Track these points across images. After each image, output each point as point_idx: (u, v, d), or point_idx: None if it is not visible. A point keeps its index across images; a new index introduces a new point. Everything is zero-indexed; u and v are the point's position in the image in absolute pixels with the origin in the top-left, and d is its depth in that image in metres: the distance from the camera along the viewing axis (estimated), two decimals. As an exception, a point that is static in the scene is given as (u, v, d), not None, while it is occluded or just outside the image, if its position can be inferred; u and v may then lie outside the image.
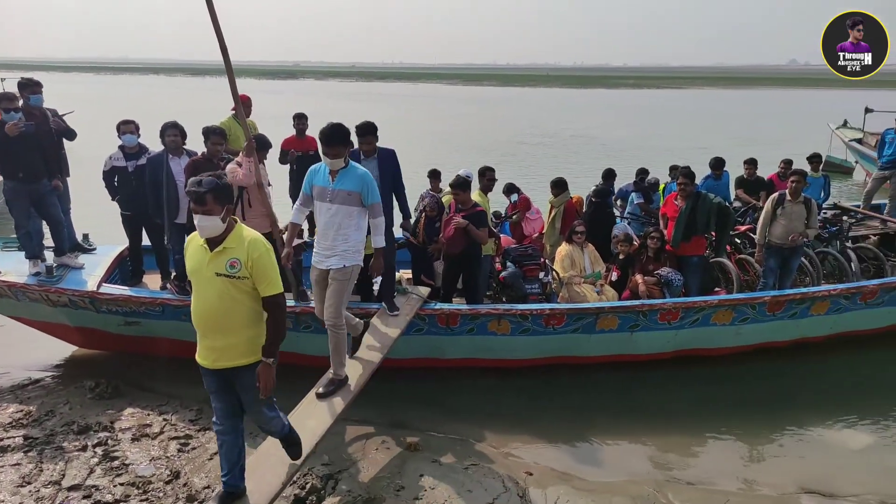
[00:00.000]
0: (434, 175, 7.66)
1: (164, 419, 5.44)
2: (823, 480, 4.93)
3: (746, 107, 55.30)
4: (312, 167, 4.86)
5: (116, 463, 4.78)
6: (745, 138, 28.22)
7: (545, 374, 6.48)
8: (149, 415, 5.50)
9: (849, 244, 8.18)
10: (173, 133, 6.21)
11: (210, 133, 6.04)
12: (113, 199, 6.73)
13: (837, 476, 5.00)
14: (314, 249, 4.86)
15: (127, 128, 6.51)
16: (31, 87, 6.46)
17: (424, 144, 22.58)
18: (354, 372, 5.07)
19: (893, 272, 7.77)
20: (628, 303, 6.37)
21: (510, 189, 8.11)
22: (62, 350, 7.00)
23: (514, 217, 8.11)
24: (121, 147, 6.58)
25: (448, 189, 6.78)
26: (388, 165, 5.63)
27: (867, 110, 19.50)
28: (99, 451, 4.93)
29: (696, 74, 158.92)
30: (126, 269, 7.11)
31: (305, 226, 7.60)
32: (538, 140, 28.93)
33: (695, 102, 61.82)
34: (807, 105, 55.48)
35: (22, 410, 5.53)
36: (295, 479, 4.57)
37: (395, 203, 5.92)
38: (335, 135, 4.50)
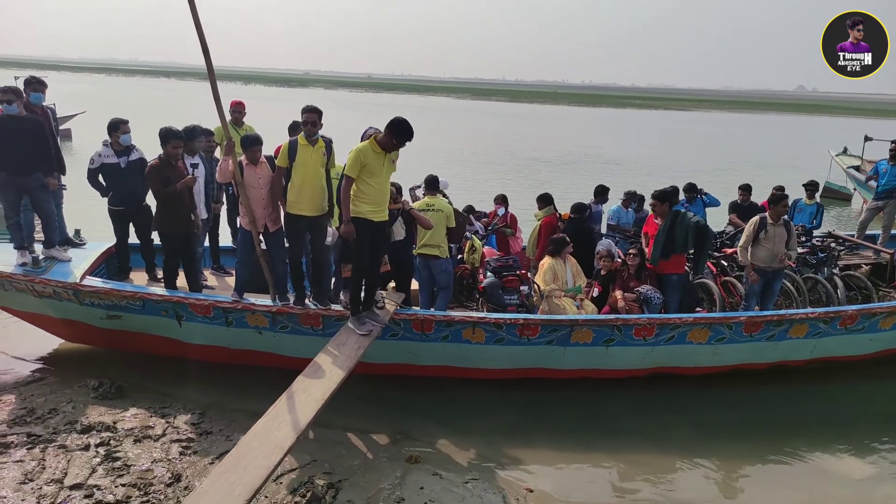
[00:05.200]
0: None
1: (167, 421, 5.47)
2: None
3: (752, 131, 55.45)
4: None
5: (118, 463, 4.82)
6: (749, 162, 28.38)
7: (544, 389, 6.51)
8: (151, 416, 5.54)
9: (836, 271, 8.21)
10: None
11: (170, 136, 6.18)
12: (104, 196, 6.83)
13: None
14: None
15: (125, 128, 6.67)
16: (33, 85, 6.66)
17: (427, 155, 22.74)
18: (325, 379, 5.06)
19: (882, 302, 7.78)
20: (603, 316, 6.42)
21: (502, 200, 8.21)
22: (66, 347, 7.07)
23: (507, 231, 8.24)
24: (109, 144, 6.71)
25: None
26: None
27: (866, 139, 19.62)
28: (101, 450, 4.97)
29: (704, 97, 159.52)
30: (113, 264, 7.19)
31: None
32: (544, 155, 29.05)
33: (702, 125, 62.01)
34: (812, 131, 55.68)
35: (25, 408, 5.59)
36: (296, 487, 4.64)
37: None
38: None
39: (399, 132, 5.43)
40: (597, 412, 6.35)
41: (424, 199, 6.81)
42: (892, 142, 10.17)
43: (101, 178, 6.72)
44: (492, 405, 6.29)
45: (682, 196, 9.17)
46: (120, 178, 6.63)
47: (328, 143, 5.94)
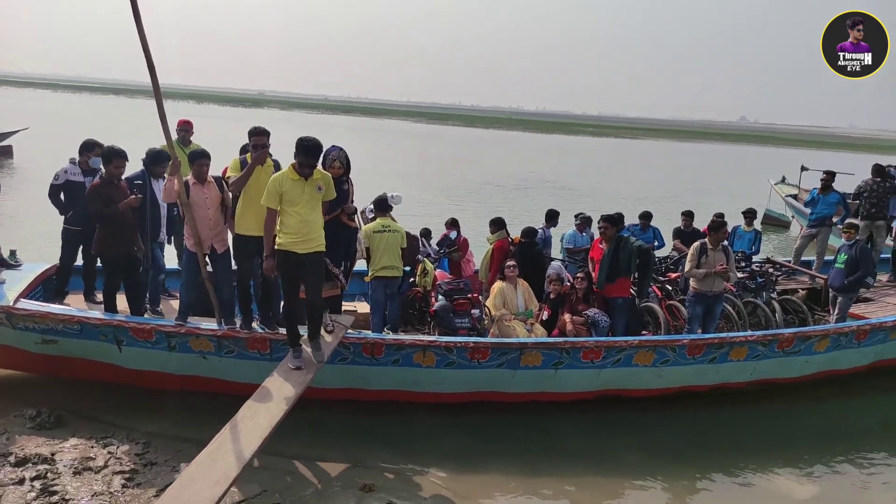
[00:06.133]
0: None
1: (109, 452, 5.23)
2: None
3: (697, 159, 57.48)
4: None
5: (55, 498, 4.58)
6: (693, 189, 29.33)
7: (497, 412, 6.51)
8: (93, 447, 5.28)
9: (774, 296, 8.53)
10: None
11: (112, 156, 6.07)
12: (63, 214, 6.66)
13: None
14: None
15: (99, 151, 6.55)
16: None
17: (383, 178, 22.76)
18: (272, 405, 4.95)
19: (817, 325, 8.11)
20: (551, 339, 6.51)
21: (453, 223, 8.26)
22: (1, 375, 6.68)
23: (454, 255, 8.28)
24: (77, 163, 6.63)
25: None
26: None
27: (803, 168, 20.55)
28: (37, 484, 4.71)
29: (653, 126, 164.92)
30: (50, 286, 6.93)
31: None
32: (498, 180, 29.39)
33: (650, 153, 63.96)
34: (752, 160, 57.97)
35: None
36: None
37: None
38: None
39: (301, 151, 5.13)
40: (548, 435, 6.39)
41: (378, 221, 6.77)
42: (824, 172, 10.74)
43: (61, 196, 6.58)
44: (445, 429, 6.26)
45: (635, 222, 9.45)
46: (82, 197, 6.46)
47: (276, 165, 5.88)
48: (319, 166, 5.49)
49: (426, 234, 8.55)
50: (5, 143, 23.02)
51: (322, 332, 5.75)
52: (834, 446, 6.55)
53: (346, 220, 6.04)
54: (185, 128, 7.84)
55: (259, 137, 5.68)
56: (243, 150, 7.08)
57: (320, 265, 5.52)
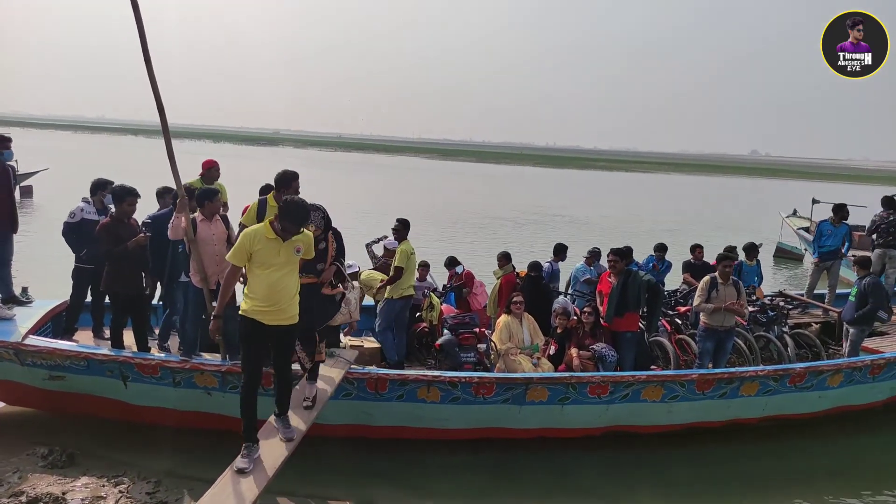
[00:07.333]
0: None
1: (120, 491, 5.21)
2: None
3: (709, 192, 57.39)
4: None
5: None
6: (704, 222, 29.23)
7: (507, 449, 6.42)
8: (104, 486, 5.26)
9: (787, 330, 8.41)
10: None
11: (125, 194, 6.18)
12: (78, 252, 6.76)
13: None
14: None
15: (109, 189, 6.69)
16: (3, 143, 6.69)
17: (394, 213, 22.97)
18: (275, 444, 4.88)
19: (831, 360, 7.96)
20: (557, 374, 6.43)
21: (452, 262, 8.28)
22: (11, 411, 6.73)
23: (464, 291, 8.29)
24: (91, 202, 6.78)
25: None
26: None
27: (814, 201, 20.49)
28: None
29: (664, 160, 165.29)
30: (60, 323, 7.00)
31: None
32: (509, 214, 29.51)
33: (663, 186, 63.99)
34: (764, 193, 57.82)
35: None
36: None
37: None
38: None
39: (286, 215, 4.47)
40: (562, 473, 6.27)
41: (401, 248, 7.05)
42: (836, 206, 10.65)
43: (75, 234, 6.71)
44: (457, 468, 6.17)
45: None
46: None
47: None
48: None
49: (425, 265, 8.52)
50: (26, 182, 23.55)
51: (323, 367, 5.68)
52: (852, 484, 6.38)
53: (326, 290, 5.49)
54: (213, 167, 7.76)
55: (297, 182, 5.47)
56: (263, 190, 6.87)
57: (290, 340, 4.85)
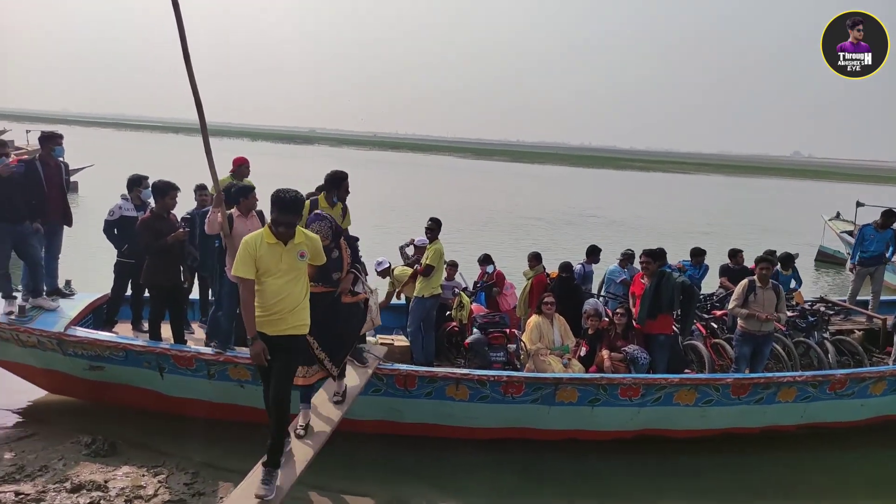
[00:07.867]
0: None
1: (159, 481, 5.36)
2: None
3: (749, 195, 56.15)
4: None
5: None
6: (744, 224, 28.61)
7: (535, 450, 6.39)
8: (144, 475, 5.42)
9: (827, 336, 8.17)
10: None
11: (168, 188, 6.33)
12: (119, 248, 6.97)
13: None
14: None
15: (147, 183, 6.97)
16: (54, 140, 6.92)
17: (426, 212, 23.04)
18: (305, 440, 4.90)
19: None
20: (587, 375, 6.37)
21: (486, 260, 8.25)
22: (55, 399, 6.99)
23: (494, 290, 8.26)
24: (129, 198, 6.98)
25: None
26: None
27: (858, 204, 19.84)
28: None
29: (703, 161, 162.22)
30: (101, 315, 7.20)
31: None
32: (544, 214, 29.33)
33: (701, 188, 62.82)
34: (806, 196, 56.32)
35: (15, 464, 5.47)
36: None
37: None
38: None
39: (275, 206, 4.14)
40: (592, 476, 6.22)
41: (434, 246, 7.13)
42: (886, 211, 10.28)
43: (115, 231, 6.91)
44: (485, 466, 6.16)
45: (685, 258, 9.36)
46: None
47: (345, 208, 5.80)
48: (305, 229, 4.58)
49: (453, 264, 8.49)
50: (72, 178, 24.31)
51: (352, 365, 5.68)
52: (893, 496, 6.18)
53: (347, 298, 5.20)
54: (243, 164, 7.88)
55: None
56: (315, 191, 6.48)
57: (292, 353, 4.36)
